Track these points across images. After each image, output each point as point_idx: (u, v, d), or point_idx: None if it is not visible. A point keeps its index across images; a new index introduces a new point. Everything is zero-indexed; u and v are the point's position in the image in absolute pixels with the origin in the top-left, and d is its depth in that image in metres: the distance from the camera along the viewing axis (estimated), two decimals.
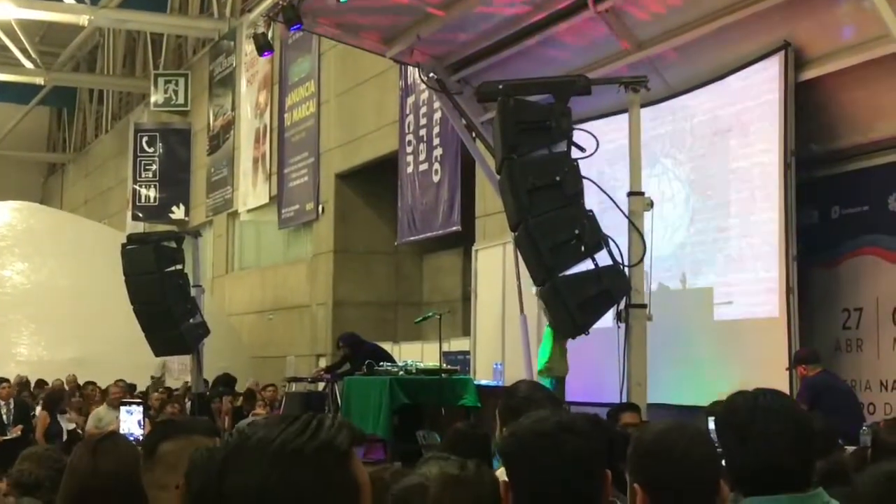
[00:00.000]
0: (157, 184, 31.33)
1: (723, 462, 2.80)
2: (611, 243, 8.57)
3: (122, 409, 9.73)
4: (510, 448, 2.55)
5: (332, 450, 1.46)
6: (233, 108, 27.56)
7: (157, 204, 31.35)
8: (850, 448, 6.85)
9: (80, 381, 18.27)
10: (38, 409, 15.01)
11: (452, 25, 12.44)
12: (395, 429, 11.62)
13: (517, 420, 2.67)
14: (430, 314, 13.91)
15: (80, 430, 13.71)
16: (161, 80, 31.47)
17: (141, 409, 9.03)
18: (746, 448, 2.76)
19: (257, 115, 25.88)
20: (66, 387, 17.89)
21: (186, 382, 16.78)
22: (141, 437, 8.10)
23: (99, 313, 21.23)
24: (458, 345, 17.08)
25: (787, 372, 10.01)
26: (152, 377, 19.04)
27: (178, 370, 18.39)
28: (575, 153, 8.64)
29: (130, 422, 9.21)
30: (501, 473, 2.80)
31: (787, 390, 9.96)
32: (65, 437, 13.20)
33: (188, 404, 15.49)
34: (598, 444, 2.58)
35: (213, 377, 17.39)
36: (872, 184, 10.61)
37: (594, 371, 11.45)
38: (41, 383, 18.37)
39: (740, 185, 11.08)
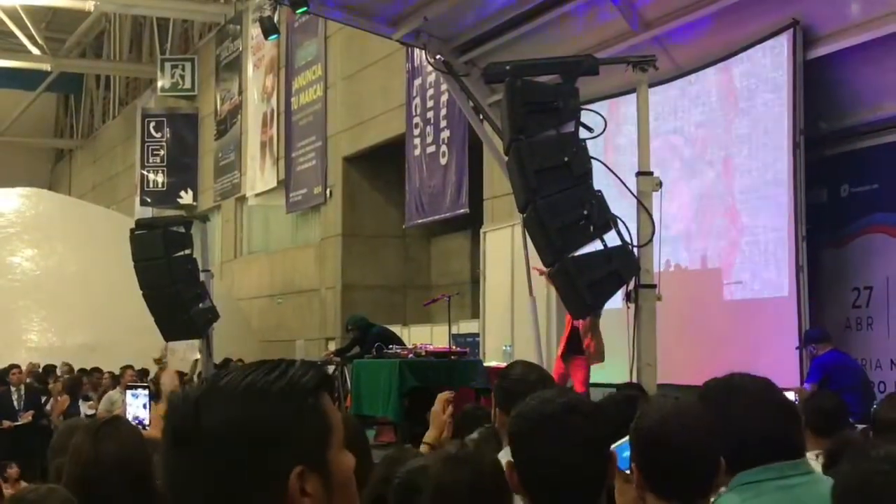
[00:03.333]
0: (165, 169, 31.32)
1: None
2: (619, 223, 8.52)
3: (128, 392, 9.71)
4: (516, 428, 2.53)
5: (298, 388, 1.51)
6: (240, 93, 27.53)
7: (165, 189, 31.35)
8: (861, 426, 6.81)
9: (89, 367, 18.27)
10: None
11: (459, 7, 12.38)
12: (405, 411, 11.63)
13: (512, 401, 2.65)
14: (439, 297, 13.90)
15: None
16: (168, 65, 31.45)
17: (146, 392, 8.98)
18: (730, 427, 2.75)
19: (264, 99, 25.84)
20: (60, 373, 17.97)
21: (196, 362, 16.81)
22: (146, 421, 8.07)
23: (108, 299, 21.24)
24: (467, 327, 17.08)
25: (798, 351, 9.99)
26: (154, 360, 19.05)
27: (185, 349, 18.38)
28: (583, 133, 8.60)
29: (136, 405, 9.18)
30: (505, 454, 2.78)
31: (797, 369, 9.96)
32: None
33: None
34: (604, 425, 2.56)
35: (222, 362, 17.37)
36: (882, 162, 10.56)
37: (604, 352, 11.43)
38: (49, 368, 18.39)
39: (749, 165, 11.03)
